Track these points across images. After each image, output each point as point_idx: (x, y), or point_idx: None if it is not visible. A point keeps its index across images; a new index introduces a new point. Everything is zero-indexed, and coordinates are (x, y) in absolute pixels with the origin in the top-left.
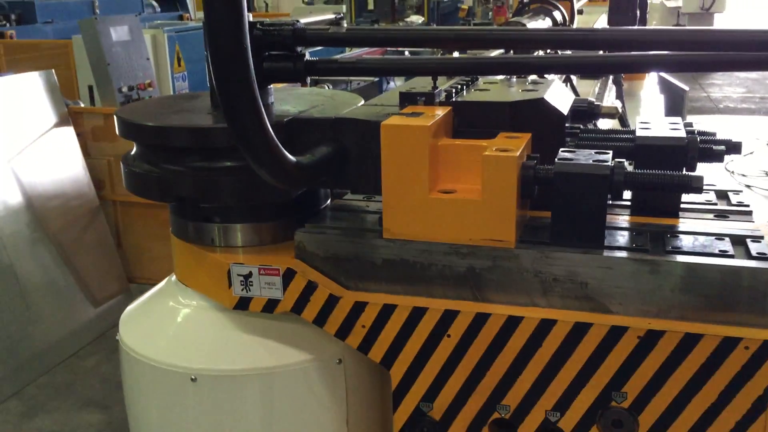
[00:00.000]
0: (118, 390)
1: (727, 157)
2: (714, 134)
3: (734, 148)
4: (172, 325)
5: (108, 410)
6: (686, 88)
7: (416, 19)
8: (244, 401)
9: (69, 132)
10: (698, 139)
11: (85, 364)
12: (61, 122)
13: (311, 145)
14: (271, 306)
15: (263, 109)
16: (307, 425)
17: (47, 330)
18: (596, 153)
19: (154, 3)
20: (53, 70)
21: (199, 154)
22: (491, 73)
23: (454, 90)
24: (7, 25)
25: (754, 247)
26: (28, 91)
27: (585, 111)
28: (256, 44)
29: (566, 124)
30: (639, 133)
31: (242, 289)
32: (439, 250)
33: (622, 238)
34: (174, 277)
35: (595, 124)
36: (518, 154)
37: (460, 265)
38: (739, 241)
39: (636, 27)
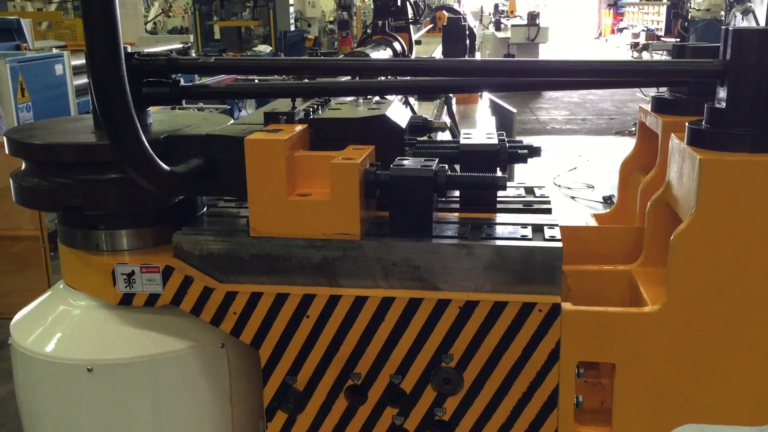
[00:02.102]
0: None
1: (554, 172)
2: (521, 142)
3: (535, 152)
4: (65, 324)
5: None
6: (514, 110)
7: (264, 49)
8: (137, 387)
9: None
10: (507, 145)
11: None
12: None
13: (186, 158)
14: (152, 300)
15: (138, 125)
16: (194, 406)
17: None
18: (425, 160)
19: None
20: None
21: (85, 167)
22: (342, 95)
23: (311, 109)
24: None
25: (548, 233)
26: None
27: (420, 125)
28: (135, 72)
29: (405, 137)
30: (462, 142)
31: (126, 287)
32: (297, 244)
33: (449, 229)
34: (62, 285)
35: (431, 137)
36: (360, 161)
37: (316, 256)
38: (538, 228)
39: (454, 59)
